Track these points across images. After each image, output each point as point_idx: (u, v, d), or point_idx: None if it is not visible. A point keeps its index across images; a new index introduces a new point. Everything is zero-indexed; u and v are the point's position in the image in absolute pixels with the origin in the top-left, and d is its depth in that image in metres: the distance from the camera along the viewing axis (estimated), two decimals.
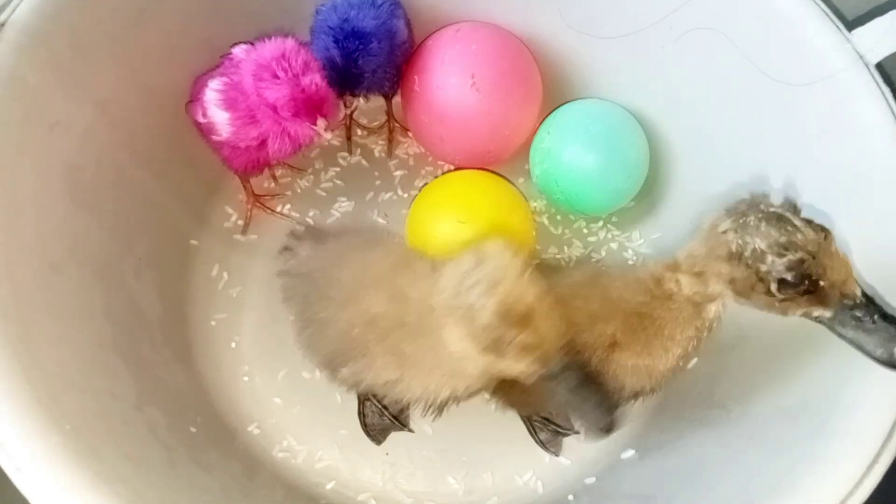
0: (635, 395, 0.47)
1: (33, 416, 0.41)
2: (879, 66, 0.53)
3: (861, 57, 0.53)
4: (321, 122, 0.54)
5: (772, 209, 0.40)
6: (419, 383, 0.47)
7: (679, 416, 0.59)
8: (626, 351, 0.44)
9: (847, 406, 0.45)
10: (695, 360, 0.60)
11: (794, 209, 0.40)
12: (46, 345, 0.46)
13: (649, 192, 0.69)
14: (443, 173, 0.73)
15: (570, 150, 0.65)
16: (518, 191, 0.67)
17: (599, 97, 0.70)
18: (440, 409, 0.48)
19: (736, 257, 0.39)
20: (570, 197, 0.66)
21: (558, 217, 0.71)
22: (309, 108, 0.53)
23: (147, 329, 0.59)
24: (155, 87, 0.61)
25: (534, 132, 0.69)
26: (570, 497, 0.58)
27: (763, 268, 0.38)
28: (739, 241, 0.39)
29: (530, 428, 0.61)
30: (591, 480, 0.59)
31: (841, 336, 0.39)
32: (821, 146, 0.54)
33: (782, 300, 0.39)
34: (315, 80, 0.53)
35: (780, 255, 0.37)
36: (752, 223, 0.39)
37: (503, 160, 0.70)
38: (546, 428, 0.60)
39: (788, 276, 0.38)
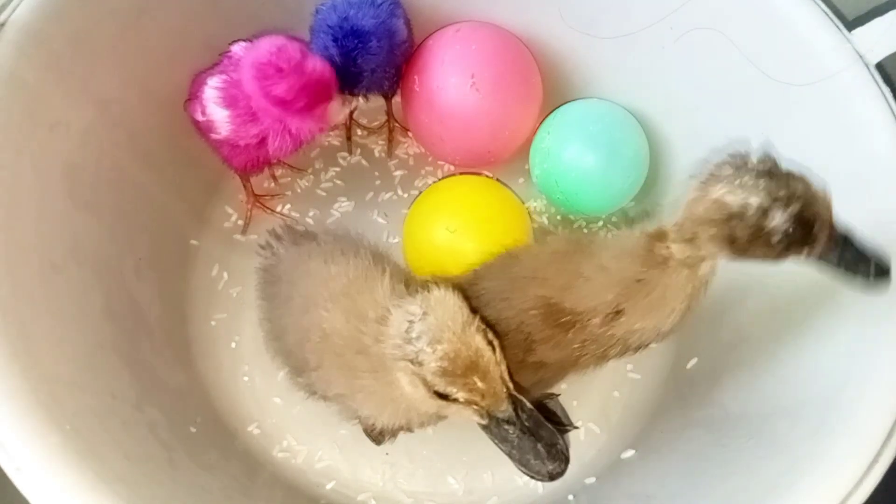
0: (640, 348, 0.48)
1: (33, 416, 0.41)
2: (879, 66, 0.53)
3: (861, 57, 0.53)
4: (335, 102, 0.54)
5: (761, 166, 0.40)
6: (372, 408, 0.47)
7: (679, 416, 0.59)
8: (632, 316, 0.45)
9: (847, 406, 0.45)
10: (695, 360, 0.60)
11: (775, 162, 0.41)
12: (46, 345, 0.46)
13: (649, 192, 0.69)
14: (443, 174, 0.73)
15: (570, 150, 0.65)
16: (515, 195, 0.66)
17: (599, 97, 0.70)
18: (394, 433, 0.49)
19: (738, 217, 0.40)
20: (570, 197, 0.66)
21: (558, 217, 0.71)
22: (319, 91, 0.53)
23: (147, 329, 0.59)
24: (155, 87, 0.61)
25: (534, 132, 0.69)
26: (570, 497, 0.58)
27: (768, 223, 0.39)
28: (740, 202, 0.39)
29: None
30: (591, 480, 0.59)
31: (825, 267, 0.42)
32: (821, 146, 0.54)
33: (781, 250, 0.40)
34: (316, 63, 0.53)
35: (784, 209, 0.39)
36: (748, 182, 0.40)
37: (503, 160, 0.71)
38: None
39: (790, 228, 0.39)
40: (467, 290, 0.47)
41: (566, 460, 0.40)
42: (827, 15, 0.54)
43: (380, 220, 0.70)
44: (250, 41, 0.56)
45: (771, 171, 0.40)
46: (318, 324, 0.47)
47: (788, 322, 0.54)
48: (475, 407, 0.39)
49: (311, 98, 0.53)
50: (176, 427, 0.54)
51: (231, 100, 0.56)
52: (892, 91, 0.52)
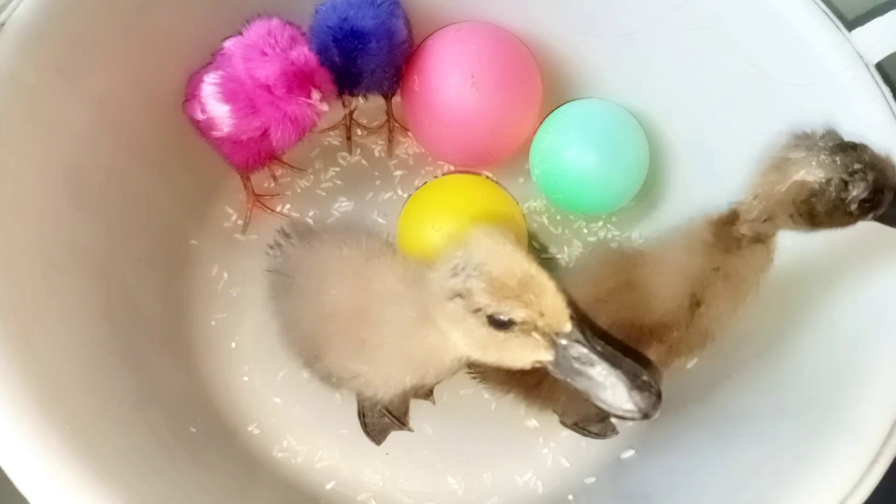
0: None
1: (33, 416, 0.41)
2: (879, 66, 0.53)
3: (861, 57, 0.53)
4: (315, 94, 0.53)
5: (830, 142, 0.42)
6: (380, 373, 0.46)
7: (679, 416, 0.59)
8: (713, 304, 0.47)
9: (847, 406, 0.45)
10: (695, 360, 0.60)
11: (840, 137, 0.43)
12: (46, 345, 0.46)
13: (649, 191, 0.69)
14: (443, 174, 0.73)
15: (570, 150, 0.65)
16: (507, 194, 0.66)
17: (599, 97, 0.70)
18: (407, 397, 0.48)
19: (820, 193, 0.42)
20: (570, 197, 0.66)
21: (558, 217, 0.71)
22: (301, 80, 0.53)
23: (147, 329, 0.59)
24: (155, 87, 0.61)
25: (534, 132, 0.69)
26: (570, 497, 0.58)
27: (849, 195, 0.41)
28: (821, 180, 0.41)
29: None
30: (591, 480, 0.59)
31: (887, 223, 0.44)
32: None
33: (857, 217, 0.43)
34: (303, 52, 0.53)
35: (862, 180, 0.41)
36: (825, 160, 0.41)
37: (503, 160, 0.71)
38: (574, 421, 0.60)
39: (868, 195, 0.42)
40: None
41: (658, 393, 0.36)
42: (827, 15, 0.54)
43: (380, 219, 0.70)
44: (240, 34, 0.56)
45: (841, 146, 0.42)
46: (332, 304, 0.48)
47: (788, 322, 0.54)
48: (536, 333, 0.36)
49: (293, 85, 0.53)
50: (176, 427, 0.54)
51: (230, 94, 0.56)
52: (892, 91, 0.52)
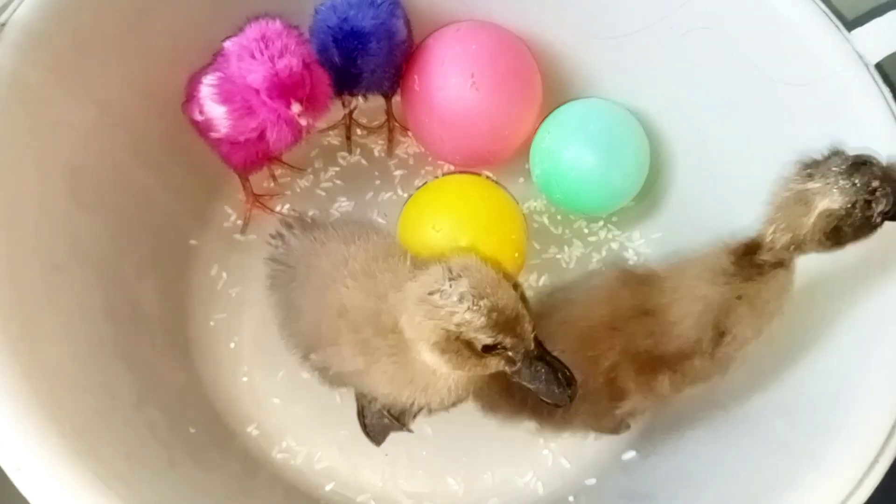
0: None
1: (33, 415, 0.41)
2: (879, 66, 0.53)
3: (861, 57, 0.53)
4: (295, 107, 0.53)
5: (843, 165, 0.43)
6: (391, 388, 0.48)
7: (679, 416, 0.59)
8: (738, 331, 0.48)
9: (847, 406, 0.45)
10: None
11: (848, 156, 0.44)
12: (47, 344, 0.46)
13: (649, 191, 0.69)
14: (442, 174, 0.73)
15: (570, 150, 0.65)
16: (507, 193, 0.66)
17: (599, 97, 0.70)
18: (413, 415, 0.50)
19: (847, 216, 0.42)
20: (571, 196, 0.66)
21: (558, 217, 0.71)
22: (282, 90, 0.53)
23: (147, 329, 0.59)
24: (156, 87, 0.61)
25: (534, 132, 0.69)
26: (571, 498, 0.58)
27: (872, 212, 0.42)
28: (846, 204, 0.42)
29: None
30: (591, 481, 0.59)
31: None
32: (820, 146, 0.54)
33: (877, 227, 0.44)
34: (290, 63, 0.52)
35: (884, 195, 0.42)
36: (846, 185, 0.42)
37: (503, 160, 0.71)
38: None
39: (890, 207, 0.43)
40: None
41: (576, 382, 0.43)
42: (826, 15, 0.54)
43: (379, 219, 0.70)
44: (240, 33, 0.56)
45: (854, 165, 0.43)
46: (338, 299, 0.48)
47: (788, 322, 0.54)
48: (510, 352, 0.41)
49: (275, 94, 0.53)
50: (175, 427, 0.54)
51: (227, 95, 0.56)
52: (891, 91, 0.52)
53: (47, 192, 0.51)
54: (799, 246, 0.45)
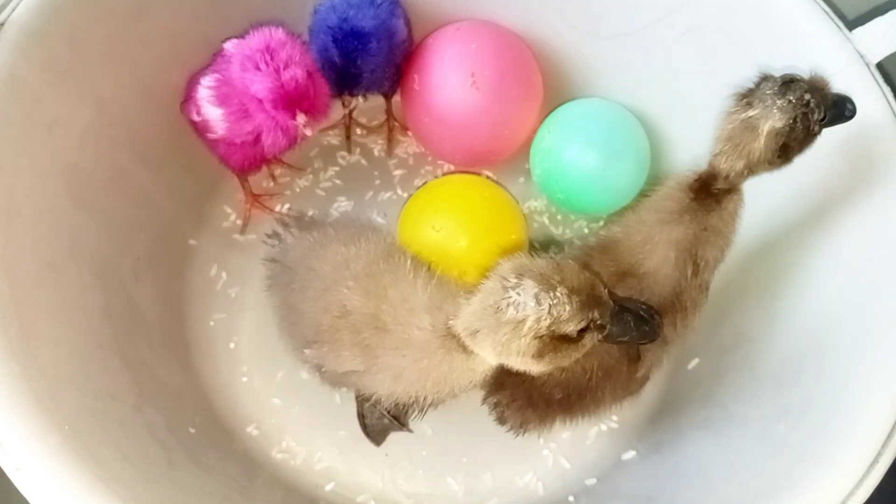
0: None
1: (33, 416, 0.41)
2: (880, 66, 0.53)
3: (861, 56, 0.53)
4: (301, 118, 0.53)
5: (771, 83, 0.46)
6: (393, 385, 0.48)
7: (679, 416, 0.59)
8: (711, 258, 0.51)
9: (847, 406, 0.45)
10: (696, 360, 0.60)
11: (775, 77, 0.47)
12: (45, 345, 0.46)
13: (650, 191, 0.69)
14: (442, 174, 0.72)
15: (570, 150, 0.65)
16: (507, 193, 0.66)
17: (600, 96, 0.70)
18: (414, 413, 0.50)
19: (791, 131, 0.46)
20: (571, 196, 0.66)
21: (559, 216, 0.71)
22: (287, 102, 0.53)
23: (146, 329, 0.59)
24: (154, 87, 0.61)
25: (534, 131, 0.69)
26: (571, 498, 0.58)
27: (810, 122, 0.46)
28: (789, 120, 0.45)
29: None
30: (591, 482, 0.59)
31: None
32: (821, 146, 0.54)
33: (818, 133, 0.47)
34: (296, 75, 0.52)
35: (817, 105, 0.45)
36: (783, 104, 0.45)
37: (503, 159, 0.70)
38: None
39: (824, 114, 0.46)
40: None
41: (656, 310, 0.43)
42: (827, 14, 0.54)
43: (379, 219, 0.70)
44: (242, 38, 0.56)
45: (783, 85, 0.46)
46: (339, 301, 0.48)
47: (789, 323, 0.54)
48: (602, 320, 0.40)
49: (279, 104, 0.53)
50: (175, 428, 0.53)
51: (224, 98, 0.56)
52: (892, 91, 0.52)
53: (45, 192, 0.51)
54: (752, 169, 0.48)
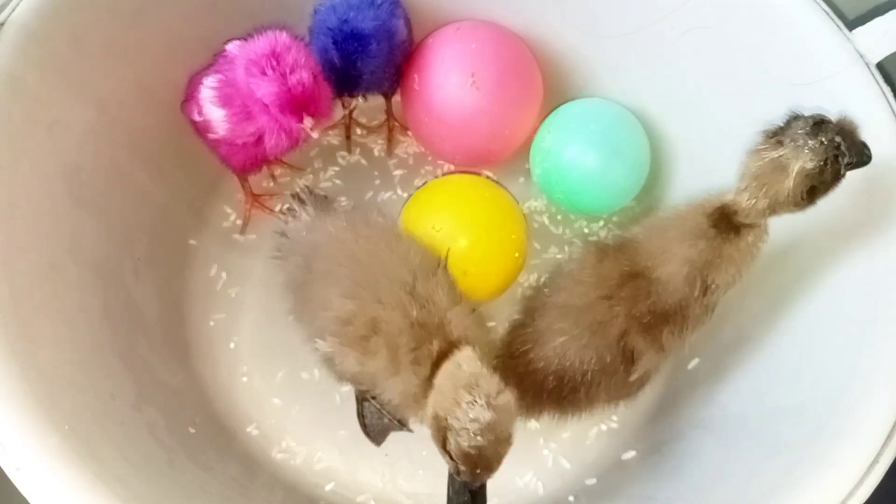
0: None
1: (32, 416, 0.41)
2: (880, 66, 0.53)
3: (862, 56, 0.53)
4: (308, 121, 0.53)
5: (803, 123, 0.46)
6: (396, 399, 0.50)
7: (679, 416, 0.59)
8: (723, 284, 0.51)
9: (847, 406, 0.45)
10: (696, 360, 0.60)
11: (806, 117, 0.47)
12: (45, 345, 0.46)
13: (650, 191, 0.69)
14: (442, 173, 0.72)
15: (570, 150, 0.65)
16: (507, 193, 0.66)
17: (600, 96, 0.70)
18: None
19: (821, 174, 0.45)
20: (571, 196, 0.66)
21: (559, 216, 0.71)
22: (295, 106, 0.53)
23: (146, 329, 0.59)
24: (154, 87, 0.61)
25: (534, 131, 0.69)
26: (571, 498, 0.58)
27: (840, 165, 0.45)
28: (820, 163, 0.45)
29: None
30: (591, 482, 0.59)
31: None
32: None
33: (843, 177, 0.47)
34: (302, 79, 0.52)
35: (848, 148, 0.45)
36: (814, 145, 0.45)
37: (503, 159, 0.70)
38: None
39: (852, 159, 0.46)
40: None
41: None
42: (827, 14, 0.54)
43: (379, 219, 0.70)
44: (245, 40, 0.56)
45: (815, 126, 0.46)
46: (371, 313, 0.49)
47: (789, 323, 0.54)
48: (456, 472, 0.44)
49: (286, 108, 0.53)
50: (174, 427, 0.53)
51: (226, 99, 0.56)
52: (892, 91, 0.52)
53: (45, 192, 0.51)
54: (775, 209, 0.48)
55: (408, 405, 0.49)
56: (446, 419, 0.43)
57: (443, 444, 0.44)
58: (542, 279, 0.68)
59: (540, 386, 0.54)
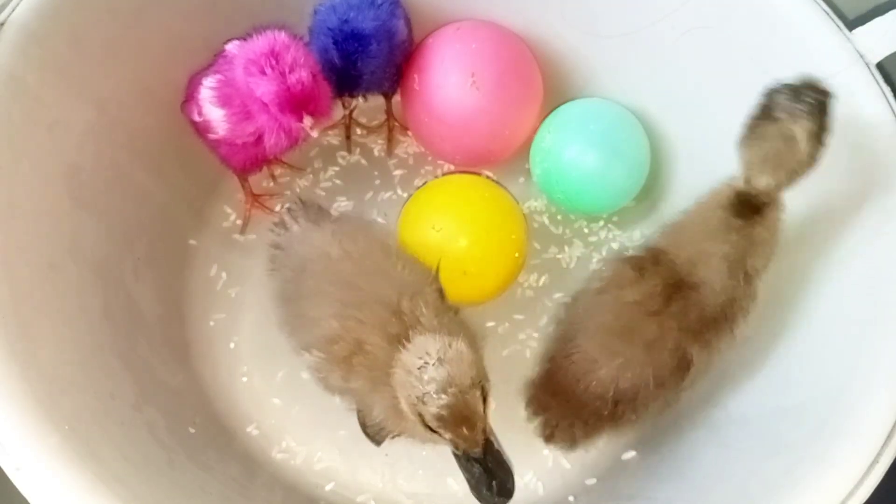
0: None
1: (32, 416, 0.41)
2: (880, 66, 0.53)
3: (861, 56, 0.53)
4: (307, 120, 0.53)
5: (784, 93, 0.47)
6: (380, 415, 0.50)
7: (679, 416, 0.58)
8: (760, 267, 0.52)
9: (847, 406, 0.45)
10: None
11: (781, 88, 0.48)
12: (45, 345, 0.46)
13: (650, 191, 0.69)
14: (442, 173, 0.72)
15: (570, 150, 0.65)
16: (507, 193, 0.66)
17: (600, 96, 0.70)
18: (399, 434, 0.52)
19: (820, 128, 0.46)
20: (571, 196, 0.66)
21: (559, 216, 0.71)
22: (294, 105, 0.53)
23: (146, 329, 0.59)
24: (154, 87, 0.61)
25: (534, 131, 0.69)
26: (571, 498, 0.58)
27: (828, 110, 0.47)
28: (815, 119, 0.46)
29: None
30: (591, 482, 0.59)
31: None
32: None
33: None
34: (302, 78, 0.52)
35: (826, 101, 0.46)
36: (803, 108, 0.46)
37: (503, 159, 0.70)
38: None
39: (828, 97, 0.47)
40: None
41: (510, 496, 0.46)
42: (827, 14, 0.54)
43: (379, 219, 0.70)
44: (244, 39, 0.56)
45: (794, 91, 0.47)
46: (356, 337, 0.49)
47: (789, 323, 0.54)
48: (454, 445, 0.44)
49: (286, 108, 0.53)
50: (174, 427, 0.53)
51: (226, 99, 0.56)
52: (892, 91, 0.52)
53: (45, 192, 0.51)
54: (792, 178, 0.48)
55: (393, 419, 0.49)
56: (412, 397, 0.43)
57: (424, 424, 0.43)
58: (542, 279, 0.68)
59: (598, 413, 0.53)
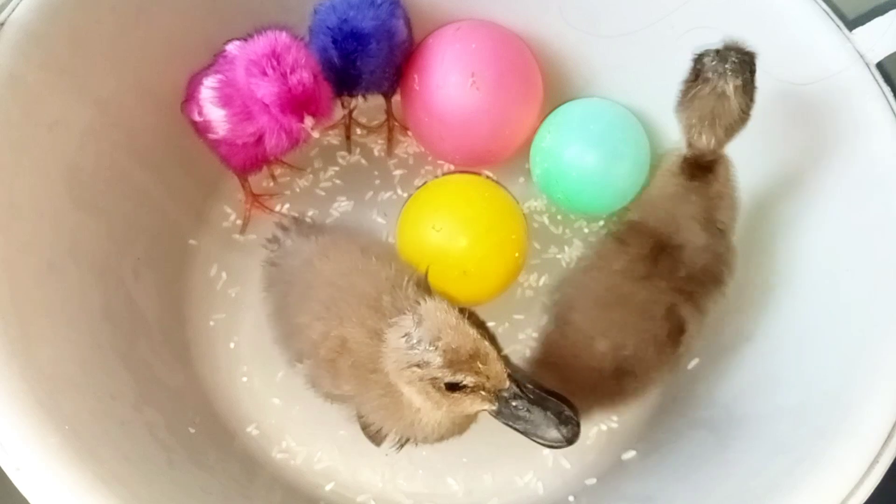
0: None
1: (32, 416, 0.41)
2: (880, 66, 0.53)
3: (861, 56, 0.53)
4: (308, 120, 0.54)
5: (710, 57, 0.50)
6: (376, 418, 0.50)
7: (680, 416, 0.59)
8: (728, 220, 0.55)
9: (848, 406, 0.45)
10: (696, 360, 0.60)
11: (706, 52, 0.51)
12: (45, 345, 0.46)
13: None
14: (442, 173, 0.72)
15: (570, 150, 0.65)
16: (507, 192, 0.66)
17: (600, 96, 0.70)
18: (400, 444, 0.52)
19: (746, 83, 0.50)
20: (571, 196, 0.66)
21: (559, 216, 0.71)
22: (295, 106, 0.53)
23: (146, 329, 0.59)
24: (154, 87, 0.61)
25: (534, 131, 0.69)
26: (571, 498, 0.58)
27: (752, 65, 0.50)
28: (741, 74, 0.49)
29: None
30: (591, 482, 0.59)
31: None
32: (821, 146, 0.54)
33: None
34: (303, 78, 0.52)
35: (746, 54, 0.50)
36: (727, 67, 0.49)
37: (503, 159, 0.70)
38: None
39: (750, 56, 0.50)
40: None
41: (578, 423, 0.45)
42: (827, 14, 0.54)
43: (379, 219, 0.70)
44: (245, 40, 0.56)
45: (718, 54, 0.50)
46: (342, 335, 0.49)
47: (789, 323, 0.54)
48: (483, 392, 0.43)
49: (287, 108, 0.53)
50: (174, 427, 0.53)
51: (227, 99, 0.56)
52: (892, 91, 0.52)
53: (44, 192, 0.51)
54: (730, 132, 0.51)
55: (388, 416, 0.49)
56: (414, 370, 0.42)
57: (443, 389, 0.42)
58: (542, 279, 0.68)
59: (601, 381, 0.54)
